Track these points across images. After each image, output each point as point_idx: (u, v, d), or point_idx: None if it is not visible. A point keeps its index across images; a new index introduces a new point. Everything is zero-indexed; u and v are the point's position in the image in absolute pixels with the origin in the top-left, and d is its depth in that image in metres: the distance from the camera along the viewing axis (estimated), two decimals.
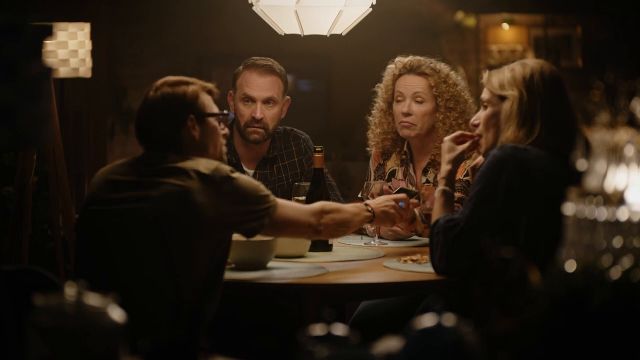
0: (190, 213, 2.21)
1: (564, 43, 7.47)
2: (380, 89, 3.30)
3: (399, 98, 3.22)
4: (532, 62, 2.57)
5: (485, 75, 2.63)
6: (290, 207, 2.48)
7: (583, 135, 2.46)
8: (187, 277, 2.22)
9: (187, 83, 2.35)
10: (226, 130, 2.42)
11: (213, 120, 2.37)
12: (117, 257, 2.23)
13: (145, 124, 2.35)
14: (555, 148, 2.48)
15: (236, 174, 2.30)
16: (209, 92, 2.38)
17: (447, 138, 2.75)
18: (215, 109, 2.38)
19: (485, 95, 2.62)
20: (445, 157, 2.72)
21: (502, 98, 2.55)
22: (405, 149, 3.30)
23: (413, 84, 3.21)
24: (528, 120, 2.50)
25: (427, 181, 3.22)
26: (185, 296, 2.20)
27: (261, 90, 3.26)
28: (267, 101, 3.27)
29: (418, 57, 3.25)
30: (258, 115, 3.24)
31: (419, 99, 3.19)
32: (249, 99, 3.26)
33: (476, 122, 2.67)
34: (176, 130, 2.32)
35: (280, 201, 2.41)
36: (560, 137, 2.50)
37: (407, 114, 3.18)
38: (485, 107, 2.62)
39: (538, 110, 2.50)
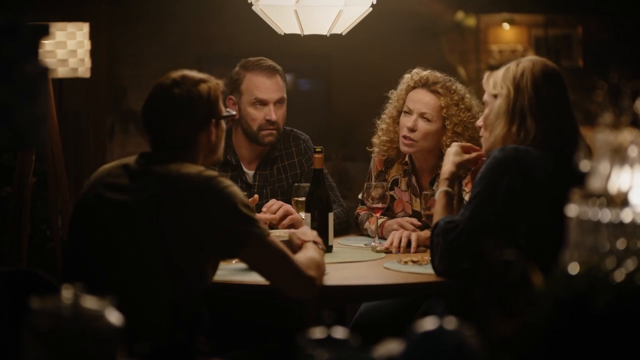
0: (192, 216, 2.19)
1: (564, 43, 7.45)
2: (393, 96, 3.26)
3: (407, 111, 3.18)
4: (526, 60, 2.55)
5: (485, 76, 2.63)
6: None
7: (583, 135, 2.47)
8: (188, 278, 2.21)
9: (206, 81, 2.31)
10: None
11: (223, 122, 2.36)
12: (118, 254, 2.21)
13: (163, 121, 2.28)
14: (556, 148, 2.47)
15: (232, 188, 2.26)
16: (222, 91, 2.36)
17: (456, 143, 2.75)
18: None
19: (485, 96, 2.62)
20: (450, 159, 2.71)
21: (496, 97, 2.55)
22: (407, 159, 3.27)
23: (423, 101, 3.14)
24: (517, 117, 2.49)
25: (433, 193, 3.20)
26: (185, 297, 2.19)
27: (272, 92, 3.25)
28: (277, 102, 3.26)
29: (436, 73, 3.18)
30: (274, 117, 3.23)
31: (426, 117, 3.15)
32: (261, 102, 3.25)
33: (480, 123, 2.66)
34: (196, 134, 2.29)
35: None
36: (560, 137, 2.49)
37: (412, 130, 3.14)
38: None
39: (526, 107, 2.48)
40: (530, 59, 2.56)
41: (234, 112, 2.39)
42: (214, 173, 2.24)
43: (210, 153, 2.33)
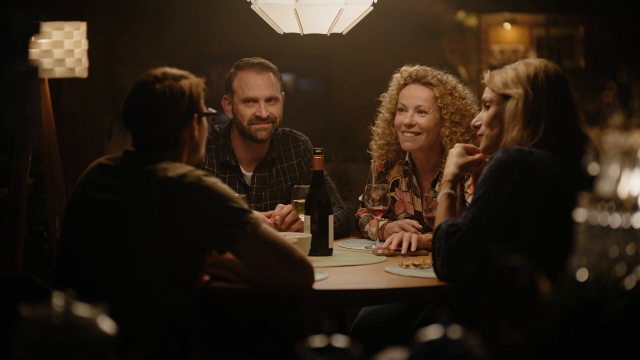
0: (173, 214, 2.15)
1: (566, 43, 7.43)
2: (385, 98, 3.23)
3: (402, 108, 3.14)
4: (535, 61, 2.54)
5: (486, 75, 2.59)
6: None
7: (589, 136, 2.44)
8: (184, 278, 2.17)
9: (187, 77, 2.29)
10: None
11: (205, 120, 2.33)
12: (113, 255, 2.17)
13: (144, 117, 2.25)
14: (560, 149, 2.43)
15: (216, 185, 2.22)
16: (204, 89, 2.34)
17: (459, 144, 2.71)
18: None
19: (487, 94, 2.57)
20: (453, 161, 2.66)
21: (506, 97, 2.51)
22: (407, 159, 3.23)
23: (417, 95, 3.12)
24: (534, 120, 2.46)
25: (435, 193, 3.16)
26: (179, 299, 2.15)
27: (262, 89, 3.22)
28: (268, 99, 3.23)
29: (424, 67, 3.16)
30: (263, 114, 3.21)
31: (422, 110, 3.11)
32: (251, 100, 3.22)
33: (477, 123, 2.62)
34: (178, 130, 2.26)
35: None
36: (565, 138, 2.45)
37: (410, 125, 3.11)
38: (488, 107, 2.57)
39: (544, 109, 2.46)
40: (537, 60, 2.53)
41: (214, 110, 2.37)
42: (201, 172, 2.23)
43: (194, 151, 2.31)
